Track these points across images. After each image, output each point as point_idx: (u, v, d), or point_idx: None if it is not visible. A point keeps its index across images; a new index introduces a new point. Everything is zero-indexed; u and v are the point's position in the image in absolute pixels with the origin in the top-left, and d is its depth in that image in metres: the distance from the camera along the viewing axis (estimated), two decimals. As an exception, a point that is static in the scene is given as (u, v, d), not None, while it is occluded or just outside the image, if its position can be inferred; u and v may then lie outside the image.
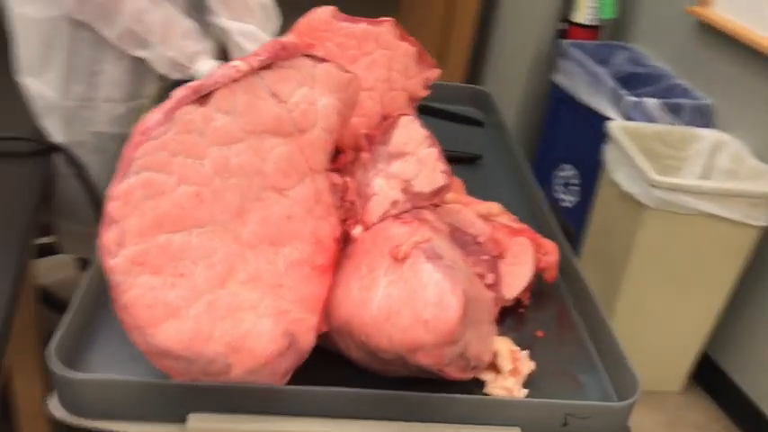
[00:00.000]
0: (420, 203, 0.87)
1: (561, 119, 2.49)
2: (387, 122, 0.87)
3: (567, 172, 2.44)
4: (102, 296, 0.85)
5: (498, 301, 0.93)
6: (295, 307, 0.72)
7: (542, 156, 2.63)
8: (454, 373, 0.75)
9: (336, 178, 0.83)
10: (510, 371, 0.83)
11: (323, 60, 0.77)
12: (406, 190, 0.85)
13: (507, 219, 1.00)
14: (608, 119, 2.06)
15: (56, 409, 0.74)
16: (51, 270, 2.03)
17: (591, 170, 2.19)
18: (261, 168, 0.73)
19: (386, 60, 0.89)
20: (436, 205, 0.96)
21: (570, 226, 2.42)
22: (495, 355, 0.83)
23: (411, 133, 0.88)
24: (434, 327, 0.66)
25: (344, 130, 0.87)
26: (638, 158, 1.79)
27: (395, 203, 0.84)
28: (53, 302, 1.57)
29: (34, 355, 1.32)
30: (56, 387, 0.73)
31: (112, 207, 0.65)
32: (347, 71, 0.80)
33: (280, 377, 0.72)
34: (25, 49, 1.29)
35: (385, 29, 0.88)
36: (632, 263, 1.87)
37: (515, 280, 0.96)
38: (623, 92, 2.08)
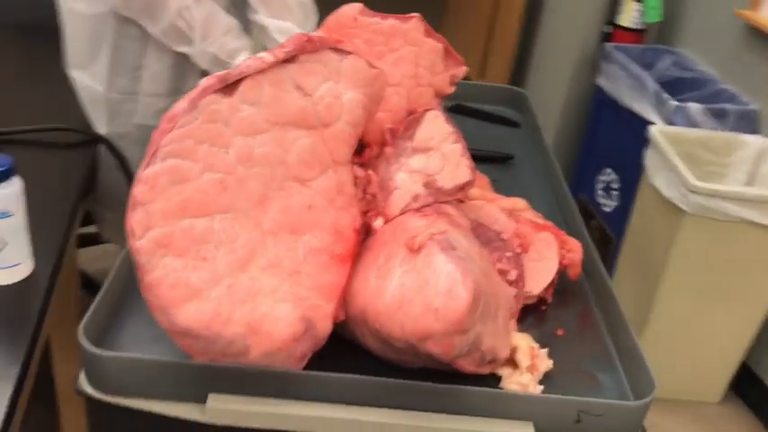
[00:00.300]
0: (442, 198, 0.88)
1: (604, 122, 2.47)
2: (411, 117, 0.89)
3: (609, 176, 2.41)
4: (132, 279, 0.89)
5: (520, 298, 0.93)
6: (313, 294, 0.74)
7: (584, 159, 2.61)
8: (468, 365, 0.75)
9: (359, 171, 0.84)
10: (527, 367, 0.83)
11: (349, 54, 0.79)
12: (428, 184, 0.86)
13: (532, 215, 1.00)
14: (650, 123, 2.03)
15: (84, 385, 0.77)
16: (95, 259, 2.10)
17: (632, 175, 2.16)
18: (284, 159, 0.75)
19: (413, 57, 0.90)
20: (460, 201, 0.97)
21: (609, 230, 2.40)
22: (514, 350, 0.84)
23: (436, 129, 0.89)
24: (444, 315, 0.67)
25: (370, 124, 0.89)
26: (677, 163, 1.76)
27: (416, 197, 0.85)
28: (97, 290, 1.62)
29: (74, 339, 1.37)
30: (84, 364, 0.77)
31: (139, 191, 0.68)
32: (374, 66, 0.82)
33: (296, 361, 0.74)
34: (74, 43, 1.34)
35: (412, 25, 0.90)
36: (670, 270, 1.84)
37: (539, 276, 0.96)
38: (666, 96, 2.05)
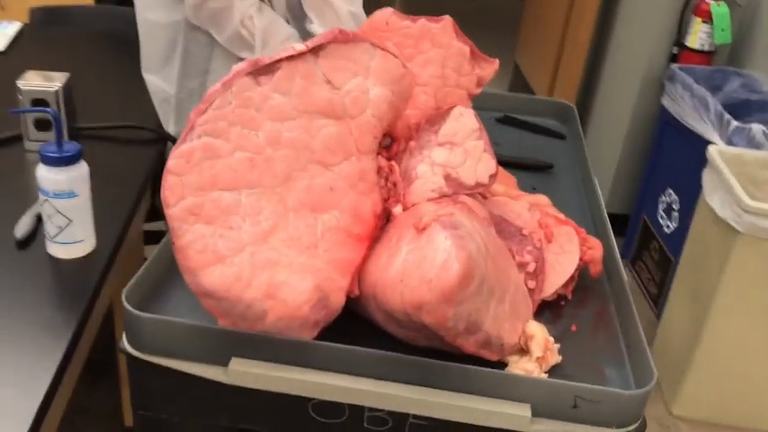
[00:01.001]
0: (463, 191, 0.93)
1: (667, 143, 2.45)
2: (437, 112, 0.94)
3: (670, 197, 2.39)
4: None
5: (539, 291, 0.97)
6: (328, 267, 0.80)
7: (648, 179, 2.59)
8: (470, 346, 0.80)
9: (383, 161, 0.91)
10: (538, 358, 0.87)
11: (379, 49, 0.85)
12: (448, 177, 0.92)
13: (554, 211, 1.04)
14: (712, 144, 2.01)
15: (125, 344, 0.86)
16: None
17: (693, 196, 2.14)
18: (309, 144, 0.82)
19: (440, 58, 0.96)
20: (484, 197, 1.02)
21: (669, 251, 2.37)
22: (529, 338, 0.87)
23: (460, 125, 0.94)
24: (436, 286, 0.72)
25: (399, 121, 0.95)
26: (732, 182, 1.75)
27: (436, 188, 0.91)
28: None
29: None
30: (125, 326, 0.86)
31: (175, 164, 0.76)
32: (403, 66, 0.88)
33: (310, 328, 0.80)
34: (148, 50, 1.47)
35: (441, 28, 0.96)
36: (723, 290, 1.82)
37: (561, 268, 0.99)
38: (727, 117, 2.03)
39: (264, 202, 0.79)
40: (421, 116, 0.96)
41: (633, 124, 2.68)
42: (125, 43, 1.66)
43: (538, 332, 0.88)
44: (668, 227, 2.40)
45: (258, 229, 0.78)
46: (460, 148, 0.94)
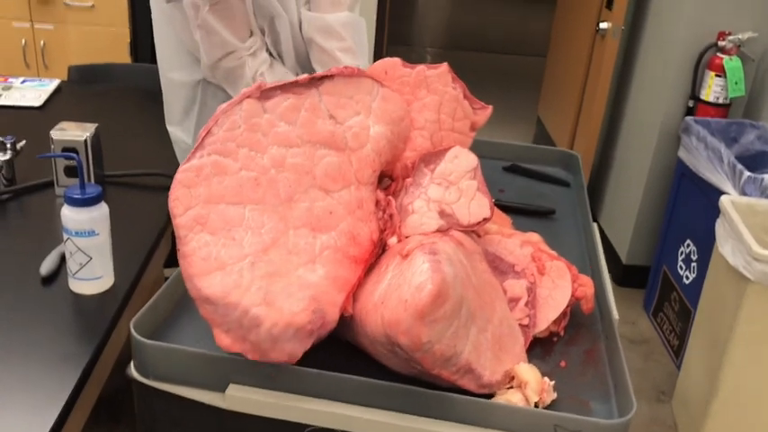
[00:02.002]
0: (457, 228, 0.97)
1: (684, 194, 2.47)
2: (433, 152, 1.00)
3: (688, 247, 2.40)
4: (185, 289, 1.04)
5: (532, 325, 1.00)
6: (325, 282, 0.85)
7: (667, 230, 2.60)
8: (448, 374, 0.83)
9: (381, 195, 0.97)
10: (535, 402, 0.89)
11: (382, 86, 0.92)
12: (443, 212, 0.97)
13: (546, 248, 1.08)
14: (726, 194, 2.04)
15: (131, 371, 0.92)
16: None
17: (710, 247, 2.15)
18: (311, 170, 0.89)
19: (435, 104, 1.03)
20: (478, 235, 1.07)
21: (688, 302, 2.36)
22: (523, 384, 0.89)
23: (455, 166, 1.00)
24: (410, 305, 0.76)
25: (397, 162, 1.01)
26: (742, 231, 1.77)
27: (431, 223, 0.95)
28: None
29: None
30: (133, 352, 0.92)
31: (184, 177, 0.82)
32: (404, 107, 0.95)
33: (305, 338, 0.83)
34: (170, 104, 1.57)
35: (437, 75, 1.03)
36: (736, 339, 1.81)
37: (554, 302, 1.02)
38: (740, 167, 2.06)
39: (267, 218, 0.85)
40: (417, 157, 1.02)
41: (651, 176, 2.71)
42: (154, 98, 1.77)
43: (531, 377, 0.89)
44: (687, 277, 2.40)
45: (259, 240, 0.83)
46: (455, 186, 0.99)
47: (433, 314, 0.76)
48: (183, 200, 0.82)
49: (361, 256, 0.90)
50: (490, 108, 1.10)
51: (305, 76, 0.91)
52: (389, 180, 1.04)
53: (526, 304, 1.01)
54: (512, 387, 0.90)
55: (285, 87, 0.90)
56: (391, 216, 0.96)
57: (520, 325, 1.00)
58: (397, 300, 0.78)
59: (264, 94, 0.88)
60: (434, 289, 0.76)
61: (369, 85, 0.96)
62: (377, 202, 0.96)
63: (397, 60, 1.06)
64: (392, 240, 0.95)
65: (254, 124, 0.86)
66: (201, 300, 0.81)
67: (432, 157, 1.01)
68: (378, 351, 0.86)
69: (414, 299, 0.76)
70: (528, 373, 0.90)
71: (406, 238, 0.95)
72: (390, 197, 0.98)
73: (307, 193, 0.88)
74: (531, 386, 0.89)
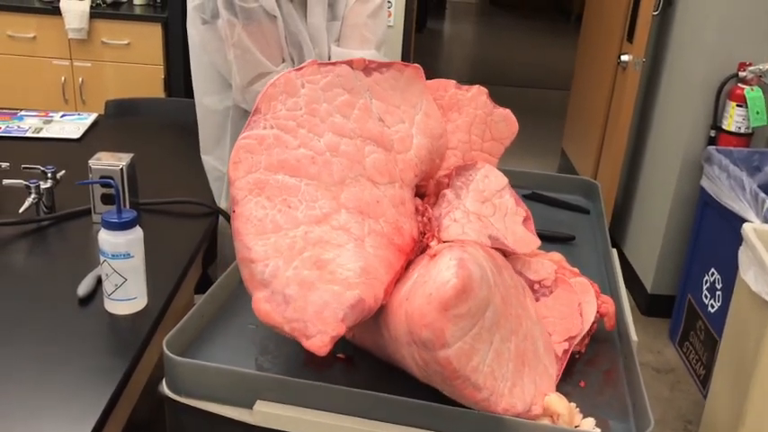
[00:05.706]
0: (495, 245, 1.00)
1: (707, 223, 2.48)
2: (465, 164, 1.05)
3: (713, 276, 2.40)
4: (215, 309, 1.08)
5: (565, 355, 1.02)
6: (375, 259, 0.88)
7: (691, 259, 2.60)
8: (471, 392, 0.85)
9: (418, 201, 1.01)
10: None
11: (428, 98, 1.00)
12: (481, 223, 1.00)
13: (568, 266, 1.11)
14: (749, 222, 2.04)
15: (163, 387, 0.96)
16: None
17: (734, 275, 2.15)
18: (361, 161, 0.93)
19: (466, 126, 1.09)
20: (505, 255, 1.10)
21: (714, 331, 2.35)
22: (555, 416, 0.91)
23: (487, 185, 1.05)
24: (435, 298, 0.78)
25: (431, 178, 1.06)
26: (765, 257, 1.77)
27: (470, 231, 0.98)
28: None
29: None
30: (165, 369, 0.96)
31: (247, 143, 0.87)
32: (443, 125, 1.01)
33: (349, 310, 0.83)
34: (204, 132, 1.63)
35: (470, 98, 1.09)
36: (761, 367, 1.81)
37: (585, 315, 1.05)
38: (763, 195, 2.07)
39: (320, 194, 0.89)
40: (453, 169, 1.07)
41: (675, 205, 2.72)
42: (187, 130, 1.84)
43: (563, 409, 0.90)
44: (713, 306, 2.39)
45: (313, 213, 0.87)
46: (489, 202, 1.04)
47: (457, 308, 0.78)
48: (245, 163, 0.86)
49: (404, 247, 0.93)
50: (515, 126, 1.15)
51: (360, 58, 0.97)
52: (423, 195, 1.08)
53: (575, 335, 1.02)
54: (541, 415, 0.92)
55: (339, 70, 0.94)
56: (429, 220, 1.00)
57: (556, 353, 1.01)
58: (421, 295, 0.80)
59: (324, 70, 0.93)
60: (459, 283, 0.78)
61: (416, 96, 1.01)
62: (415, 208, 1.00)
63: (451, 82, 1.12)
64: (432, 243, 0.97)
65: (314, 110, 0.92)
66: (247, 261, 0.83)
67: (463, 170, 1.06)
68: (398, 352, 0.88)
69: (438, 292, 0.78)
70: (559, 404, 0.92)
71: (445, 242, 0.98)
72: (427, 205, 1.02)
73: (357, 180, 0.92)
74: (564, 419, 0.90)
